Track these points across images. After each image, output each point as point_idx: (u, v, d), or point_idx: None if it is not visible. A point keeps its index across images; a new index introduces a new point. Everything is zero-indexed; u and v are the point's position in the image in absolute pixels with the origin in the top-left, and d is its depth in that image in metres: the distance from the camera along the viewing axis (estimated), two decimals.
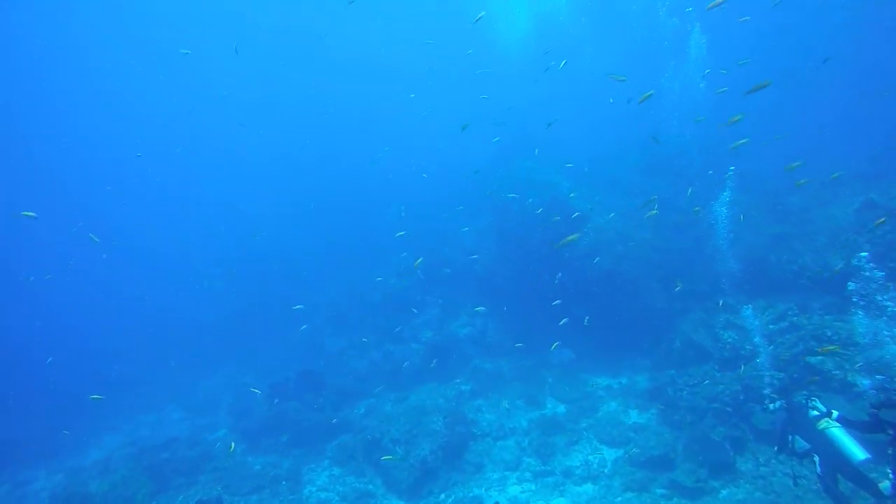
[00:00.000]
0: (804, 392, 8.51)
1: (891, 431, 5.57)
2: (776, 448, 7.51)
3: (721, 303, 13.30)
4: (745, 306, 12.58)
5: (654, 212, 15.22)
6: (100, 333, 27.44)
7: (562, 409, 13.87)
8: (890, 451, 5.66)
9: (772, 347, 11.27)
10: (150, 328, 26.36)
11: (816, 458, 6.88)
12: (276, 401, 15.55)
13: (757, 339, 11.61)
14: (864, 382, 9.46)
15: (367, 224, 24.52)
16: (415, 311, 18.41)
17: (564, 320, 12.97)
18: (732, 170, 15.04)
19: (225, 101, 41.64)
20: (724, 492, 9.32)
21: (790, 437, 7.19)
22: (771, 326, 11.71)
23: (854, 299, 10.94)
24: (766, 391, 7.87)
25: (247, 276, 26.86)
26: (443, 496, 11.29)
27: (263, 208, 34.41)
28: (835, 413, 6.36)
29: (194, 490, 10.05)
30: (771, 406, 7.50)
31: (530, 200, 16.29)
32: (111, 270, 32.34)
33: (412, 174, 28.09)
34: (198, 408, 20.09)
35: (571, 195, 16.44)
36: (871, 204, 13.84)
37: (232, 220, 33.42)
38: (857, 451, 6.25)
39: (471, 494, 11.01)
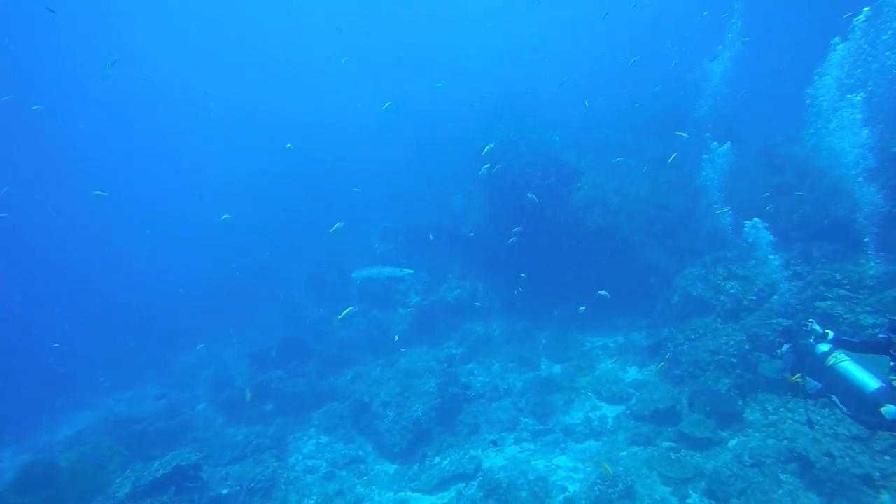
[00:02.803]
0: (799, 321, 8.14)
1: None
2: (790, 392, 7.11)
3: (720, 255, 12.91)
4: (749, 256, 12.19)
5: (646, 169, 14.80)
6: (73, 311, 26.25)
7: (557, 369, 13.40)
8: (893, 376, 5.31)
9: (776, 296, 10.91)
10: (124, 305, 25.21)
11: (835, 398, 6.49)
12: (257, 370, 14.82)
13: (761, 286, 11.22)
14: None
15: (350, 190, 23.62)
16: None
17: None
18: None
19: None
20: (733, 441, 8.94)
21: (801, 379, 6.80)
22: (774, 276, 11.30)
23: (866, 239, 10.64)
24: (773, 338, 7.39)
25: (224, 248, 25.83)
26: (437, 459, 10.74)
27: (238, 175, 33.06)
28: (830, 333, 5.92)
29: (171, 456, 9.35)
30: (779, 351, 7.08)
31: (521, 159, 15.61)
32: (83, 246, 31.00)
33: (402, 139, 27.25)
34: (177, 382, 19.22)
35: (564, 152, 15.78)
36: (871, 150, 13.46)
37: (206, 190, 32.10)
38: (869, 381, 5.82)
39: (467, 456, 10.47)
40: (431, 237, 17.96)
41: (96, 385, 19.91)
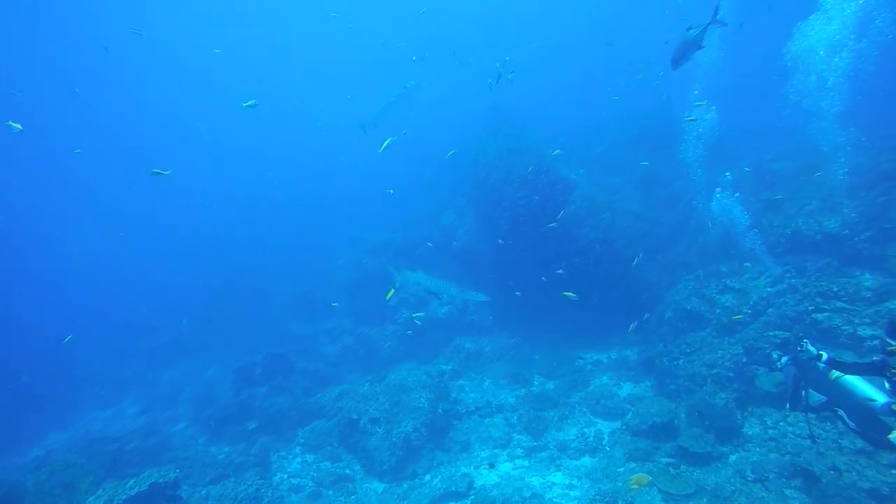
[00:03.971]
0: (795, 334, 8.04)
1: None
2: (788, 405, 6.93)
3: (713, 269, 12.84)
4: (743, 270, 12.11)
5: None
6: (51, 329, 25.40)
7: (550, 385, 13.12)
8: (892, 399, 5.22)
9: (772, 309, 10.80)
10: (106, 323, 24.47)
11: (843, 413, 6.33)
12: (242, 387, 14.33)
13: (756, 299, 11.11)
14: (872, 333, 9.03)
15: (339, 207, 23.40)
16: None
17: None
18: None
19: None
20: (733, 457, 8.68)
21: (804, 392, 6.64)
22: (769, 289, 11.21)
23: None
24: (772, 350, 7.25)
25: (212, 266, 25.32)
26: (428, 476, 10.35)
27: (230, 194, 32.68)
28: (824, 355, 5.78)
29: (148, 474, 8.83)
30: (779, 364, 6.93)
31: (513, 173, 15.53)
32: (59, 261, 30.24)
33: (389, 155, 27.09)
34: (157, 401, 18.56)
35: (556, 165, 15.73)
36: (859, 168, 13.59)
37: (195, 208, 31.70)
38: (877, 396, 5.72)
39: (459, 473, 10.09)
40: (430, 244, 17.73)
41: (71, 405, 19.18)
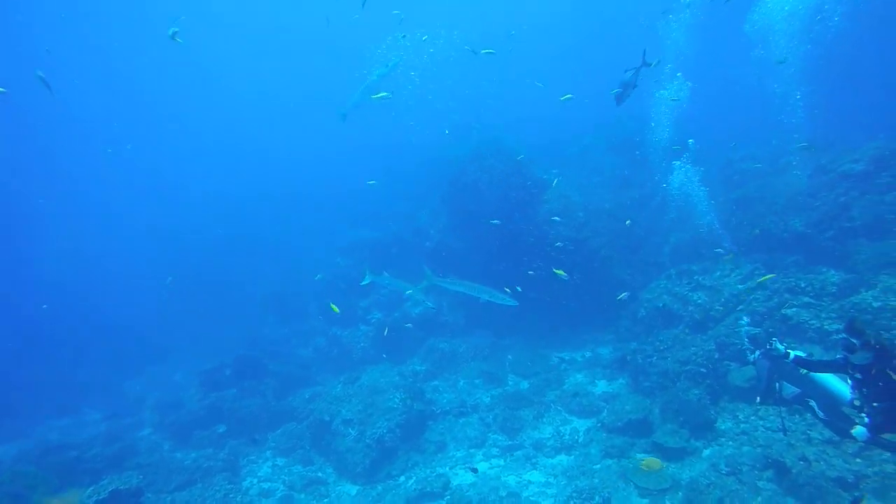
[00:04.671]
0: (765, 332, 8.23)
1: (858, 375, 5.12)
2: (759, 399, 7.04)
3: (685, 268, 13.00)
4: (714, 268, 12.30)
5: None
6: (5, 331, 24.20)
7: (524, 384, 13.07)
8: (859, 393, 5.26)
9: (742, 306, 10.96)
10: (64, 326, 23.44)
11: (814, 404, 6.46)
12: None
13: (728, 296, 11.27)
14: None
15: (312, 207, 22.96)
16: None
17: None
18: (691, 142, 14.92)
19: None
20: (707, 451, 8.76)
21: (777, 385, 6.75)
22: (739, 286, 11.40)
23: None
24: (746, 345, 7.37)
25: (179, 267, 24.53)
26: (403, 478, 10.18)
27: (197, 195, 31.79)
28: (791, 354, 5.89)
29: (108, 481, 8.41)
30: (751, 357, 7.04)
31: (488, 173, 15.48)
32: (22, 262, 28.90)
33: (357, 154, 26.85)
34: (120, 407, 17.82)
35: (530, 166, 15.76)
36: (823, 169, 13.98)
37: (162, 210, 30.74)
38: (845, 389, 5.87)
39: (434, 473, 9.93)
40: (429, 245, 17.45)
41: (23, 413, 18.21)
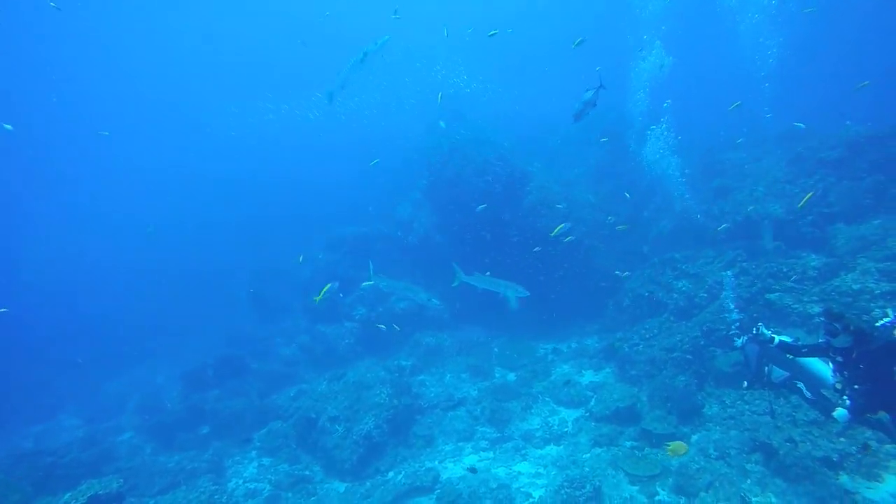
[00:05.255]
0: (750, 317, 8.36)
1: (839, 358, 5.23)
2: (747, 384, 7.09)
3: (668, 257, 13.08)
4: (697, 256, 12.39)
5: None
6: None
7: (511, 376, 13.03)
8: (840, 376, 5.35)
9: (725, 292, 11.04)
10: (37, 328, 22.79)
11: (802, 386, 6.54)
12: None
13: (711, 283, 11.35)
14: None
15: (292, 202, 22.62)
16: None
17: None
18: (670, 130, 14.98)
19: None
20: (695, 436, 8.79)
21: (766, 369, 6.82)
22: (723, 273, 11.49)
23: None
24: (732, 330, 7.44)
25: (161, 265, 24.01)
26: (391, 473, 10.04)
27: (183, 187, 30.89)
28: (776, 339, 5.95)
29: (86, 486, 8.13)
30: (738, 342, 7.09)
31: (471, 164, 15.38)
32: None
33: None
34: (100, 412, 17.37)
35: (513, 156, 15.69)
36: (800, 157, 14.18)
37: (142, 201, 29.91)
38: (828, 374, 6.01)
39: (424, 468, 9.82)
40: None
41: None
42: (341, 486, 10.05)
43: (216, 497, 9.53)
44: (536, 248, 13.39)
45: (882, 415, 5.15)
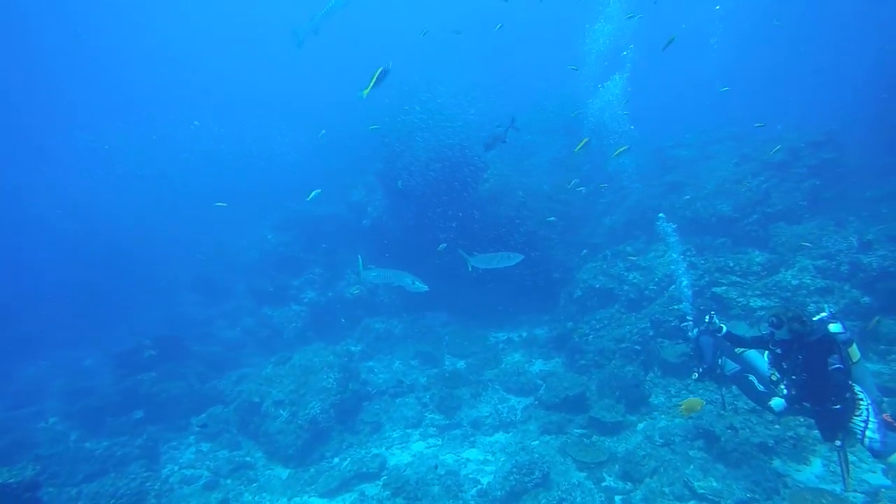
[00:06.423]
0: (700, 308, 8.59)
1: (779, 350, 5.42)
2: (697, 375, 7.18)
3: (620, 250, 13.30)
4: (648, 249, 12.64)
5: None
6: None
7: (461, 363, 12.98)
8: (777, 368, 5.57)
9: (673, 287, 11.32)
10: None
11: (754, 379, 6.73)
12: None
13: (661, 276, 11.61)
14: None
15: (240, 181, 21.60)
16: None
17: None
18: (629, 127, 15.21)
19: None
20: (642, 424, 8.96)
21: (720, 361, 6.95)
22: (672, 266, 11.77)
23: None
24: (685, 321, 7.56)
25: (91, 243, 22.48)
26: (337, 459, 9.77)
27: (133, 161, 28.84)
28: (724, 328, 6.09)
29: None
30: (692, 334, 7.20)
31: (425, 149, 15.10)
32: None
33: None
34: (14, 398, 16.02)
35: (468, 143, 15.51)
36: (747, 158, 14.72)
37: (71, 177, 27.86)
38: (764, 365, 6.21)
39: (370, 454, 9.60)
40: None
41: None
42: (284, 472, 9.69)
43: (148, 484, 8.99)
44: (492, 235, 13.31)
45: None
